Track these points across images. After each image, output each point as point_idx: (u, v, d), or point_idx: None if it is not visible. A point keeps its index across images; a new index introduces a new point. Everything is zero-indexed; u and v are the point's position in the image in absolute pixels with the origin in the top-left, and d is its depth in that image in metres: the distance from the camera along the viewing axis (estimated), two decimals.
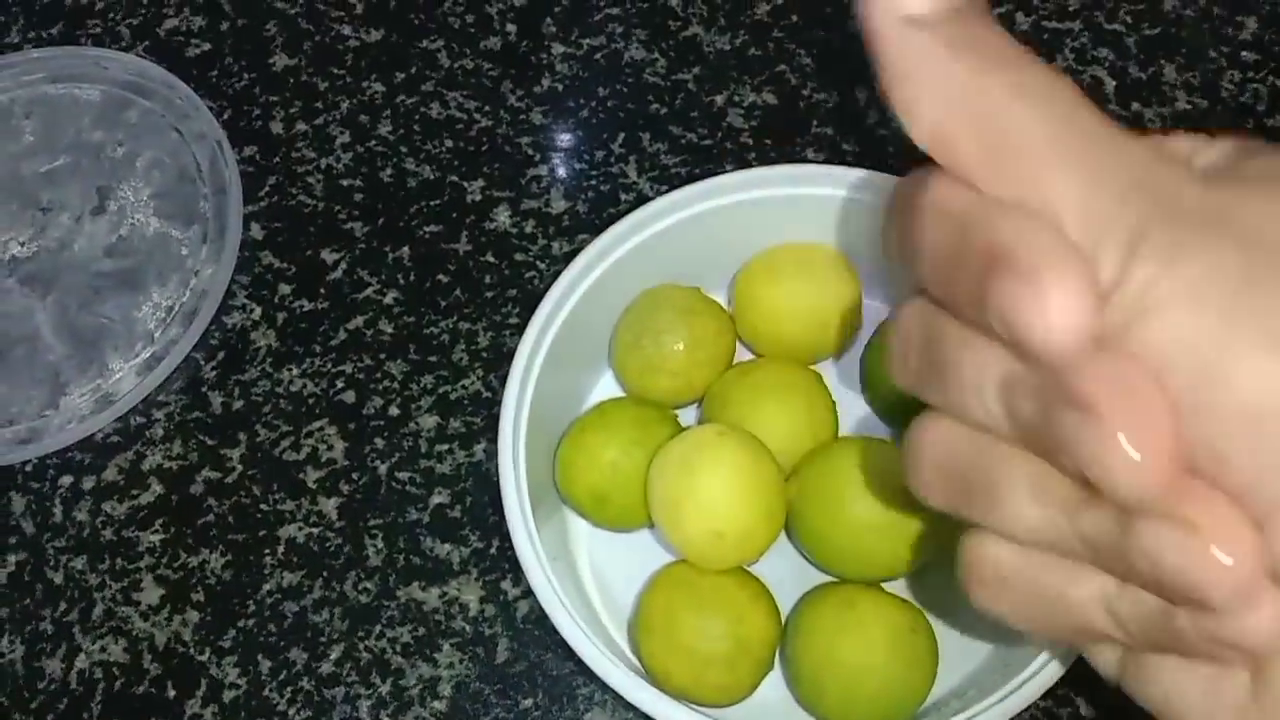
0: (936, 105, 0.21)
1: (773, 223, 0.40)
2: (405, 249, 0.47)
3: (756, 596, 0.36)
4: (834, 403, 0.39)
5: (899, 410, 0.40)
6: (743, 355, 0.42)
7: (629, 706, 0.38)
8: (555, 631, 0.33)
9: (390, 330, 0.45)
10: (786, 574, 0.38)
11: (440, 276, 0.46)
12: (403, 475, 0.43)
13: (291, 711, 0.40)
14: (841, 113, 0.49)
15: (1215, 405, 0.18)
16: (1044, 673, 0.32)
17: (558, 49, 0.51)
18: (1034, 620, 0.23)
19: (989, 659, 0.37)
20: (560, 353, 0.38)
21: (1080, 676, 0.34)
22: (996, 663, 0.36)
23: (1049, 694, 0.37)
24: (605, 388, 0.42)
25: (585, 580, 0.40)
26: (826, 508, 0.35)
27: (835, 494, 0.35)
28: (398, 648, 0.40)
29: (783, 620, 0.37)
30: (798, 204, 0.39)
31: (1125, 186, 0.19)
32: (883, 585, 0.36)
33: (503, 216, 0.47)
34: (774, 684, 0.37)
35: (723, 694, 0.35)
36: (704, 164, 0.48)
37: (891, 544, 0.35)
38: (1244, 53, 0.49)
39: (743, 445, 0.35)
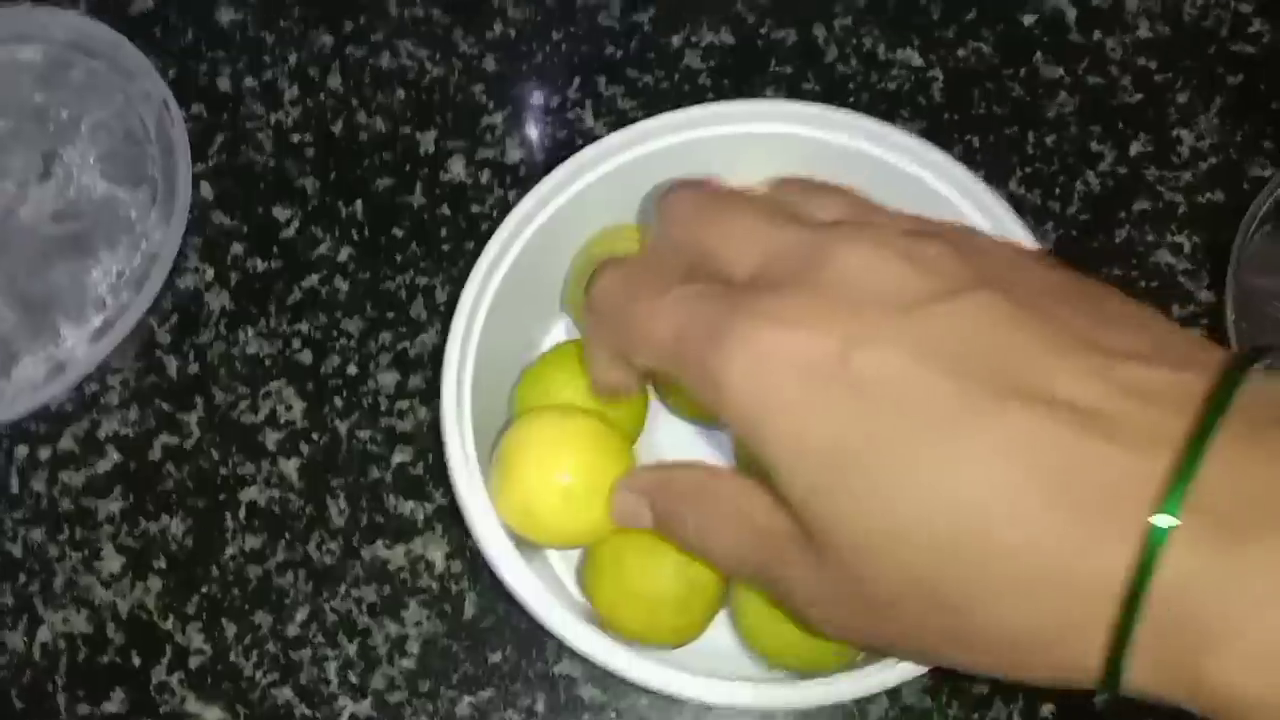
0: None
1: (725, 160, 0.39)
2: (358, 204, 0.46)
3: None
4: None
5: None
6: None
7: None
8: None
9: (346, 287, 0.45)
10: None
11: (395, 231, 0.45)
12: (363, 434, 0.42)
13: (258, 675, 0.39)
14: (800, 50, 0.48)
15: None
16: None
17: None
18: None
19: None
20: (508, 302, 0.37)
21: None
22: None
23: None
24: (559, 336, 0.41)
25: None
26: None
27: None
28: (364, 607, 0.40)
29: None
30: (750, 140, 0.38)
31: None
32: None
33: (457, 167, 0.46)
34: (723, 625, 0.36)
35: (676, 635, 0.34)
36: (662, 107, 0.46)
37: None
38: None
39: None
